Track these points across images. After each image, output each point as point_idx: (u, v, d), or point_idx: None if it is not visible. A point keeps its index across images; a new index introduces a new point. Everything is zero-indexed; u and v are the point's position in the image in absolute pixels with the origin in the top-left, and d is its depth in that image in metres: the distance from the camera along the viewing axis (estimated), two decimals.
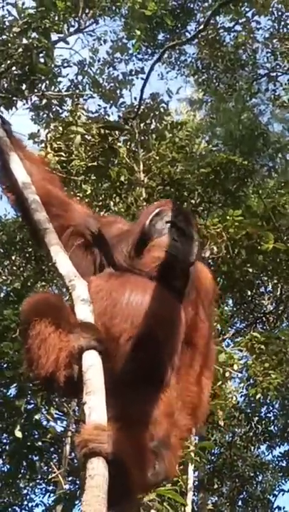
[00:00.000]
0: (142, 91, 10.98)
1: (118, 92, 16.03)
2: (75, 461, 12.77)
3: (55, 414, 9.79)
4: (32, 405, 9.19)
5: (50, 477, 10.61)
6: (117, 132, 12.97)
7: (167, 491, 6.97)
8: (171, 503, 7.49)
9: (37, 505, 16.10)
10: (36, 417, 8.27)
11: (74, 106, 13.68)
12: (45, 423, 10.04)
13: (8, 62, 11.93)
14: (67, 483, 10.82)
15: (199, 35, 17.75)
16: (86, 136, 12.58)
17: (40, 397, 8.35)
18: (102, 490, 2.94)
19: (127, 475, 3.16)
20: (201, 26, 16.07)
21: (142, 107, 14.31)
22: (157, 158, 14.27)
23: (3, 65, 11.93)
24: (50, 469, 14.64)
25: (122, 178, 12.45)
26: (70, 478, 14.30)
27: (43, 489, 16.07)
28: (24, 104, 13.47)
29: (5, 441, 12.38)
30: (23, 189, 4.20)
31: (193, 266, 3.89)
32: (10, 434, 8.98)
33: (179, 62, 20.99)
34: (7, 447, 10.32)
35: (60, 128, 13.30)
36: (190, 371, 3.71)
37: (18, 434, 8.12)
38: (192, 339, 3.76)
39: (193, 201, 13.63)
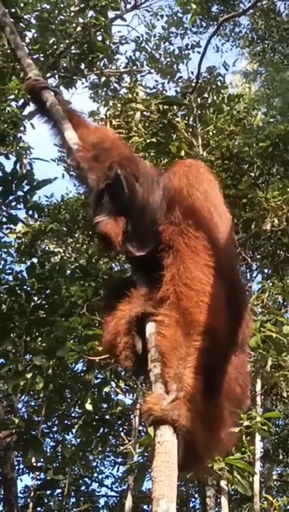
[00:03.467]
0: (199, 65, 11.05)
1: (175, 66, 15.97)
2: (142, 433, 12.94)
3: (124, 387, 9.96)
4: (99, 379, 9.38)
5: (121, 449, 10.78)
6: (175, 107, 13.00)
7: (236, 461, 7.06)
8: (240, 472, 7.56)
9: (107, 477, 16.40)
10: (106, 389, 8.43)
11: (133, 83, 13.73)
12: (113, 396, 10.27)
13: (67, 41, 12.00)
14: (136, 455, 11.01)
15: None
16: (145, 113, 12.64)
17: (109, 371, 8.53)
18: (171, 456, 3.05)
19: (195, 441, 3.22)
20: None
21: (199, 80, 14.27)
22: (215, 132, 14.22)
23: (62, 45, 12.00)
24: (117, 441, 14.89)
25: (182, 153, 12.44)
26: (138, 450, 14.55)
27: (112, 461, 16.34)
28: (83, 83, 13.56)
29: (74, 414, 12.64)
30: (76, 153, 4.36)
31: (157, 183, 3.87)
32: (80, 407, 9.17)
33: (233, 34, 20.81)
34: (76, 420, 10.55)
35: (119, 105, 13.41)
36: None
37: (89, 407, 8.31)
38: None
39: (252, 174, 13.57)
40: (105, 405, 9.48)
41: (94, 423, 9.07)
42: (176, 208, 3.68)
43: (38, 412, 11.57)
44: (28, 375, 8.13)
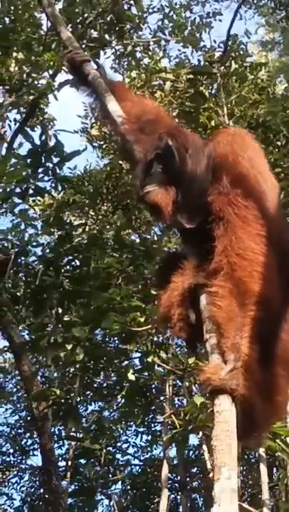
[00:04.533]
0: (228, 33, 10.93)
1: (198, 35, 15.74)
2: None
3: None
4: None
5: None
6: (200, 77, 12.88)
7: (280, 429, 7.08)
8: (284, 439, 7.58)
9: (130, 447, 16.49)
10: (149, 359, 8.48)
11: (162, 52, 13.62)
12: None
13: (95, 11, 11.83)
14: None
15: None
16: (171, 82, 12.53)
17: (150, 342, 8.59)
18: (231, 425, 3.09)
19: (253, 409, 3.27)
20: None
21: (222, 49, 14.15)
22: (237, 101, 14.07)
23: (90, 15, 11.82)
24: (139, 411, 14.92)
25: (212, 123, 12.34)
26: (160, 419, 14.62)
27: (134, 431, 16.38)
28: (106, 53, 13.43)
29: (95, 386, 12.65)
30: (121, 126, 4.38)
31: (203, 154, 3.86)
32: (123, 378, 9.23)
33: (255, 1, 20.45)
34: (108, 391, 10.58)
35: (143, 75, 13.30)
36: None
37: (132, 377, 8.39)
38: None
39: (279, 143, 13.46)
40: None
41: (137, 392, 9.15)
42: (223, 177, 3.69)
43: (68, 384, 11.64)
44: (69, 347, 8.17)
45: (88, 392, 13.49)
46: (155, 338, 9.27)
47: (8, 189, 8.67)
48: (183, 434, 7.84)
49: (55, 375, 12.36)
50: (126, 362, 10.80)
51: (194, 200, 3.78)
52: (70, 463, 13.52)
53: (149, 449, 16.37)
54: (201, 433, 8.68)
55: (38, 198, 12.32)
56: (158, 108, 4.87)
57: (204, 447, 9.77)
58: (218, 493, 2.93)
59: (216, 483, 2.96)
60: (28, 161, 9.55)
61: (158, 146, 3.86)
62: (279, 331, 3.56)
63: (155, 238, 12.65)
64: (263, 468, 10.10)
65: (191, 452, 15.86)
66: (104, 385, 13.50)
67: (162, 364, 8.35)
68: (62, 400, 8.74)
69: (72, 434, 10.28)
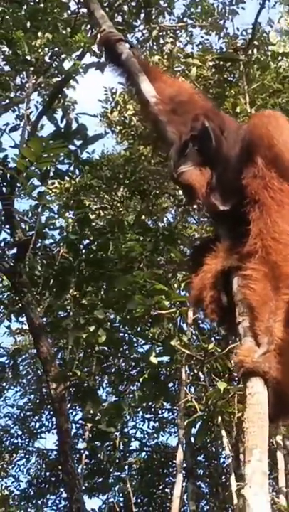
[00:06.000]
0: (255, 20, 10.86)
1: (221, 22, 15.60)
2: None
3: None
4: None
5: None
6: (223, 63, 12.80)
7: None
8: None
9: (137, 432, 16.44)
10: (172, 343, 8.46)
11: (189, 38, 13.54)
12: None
13: None
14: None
15: None
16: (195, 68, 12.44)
17: (173, 325, 8.58)
18: (263, 407, 3.11)
19: (285, 392, 3.27)
20: None
21: (244, 37, 14.05)
22: (257, 89, 13.97)
23: None
24: (158, 396, 14.85)
25: (238, 109, 12.25)
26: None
27: (141, 417, 16.35)
28: (132, 36, 13.31)
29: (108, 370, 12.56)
30: (154, 106, 4.36)
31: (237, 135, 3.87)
32: (139, 362, 9.23)
33: None
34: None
35: (165, 61, 13.23)
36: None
37: (154, 360, 8.40)
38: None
39: None
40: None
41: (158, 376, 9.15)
42: (258, 160, 3.66)
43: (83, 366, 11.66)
44: (91, 328, 8.17)
45: (97, 377, 13.56)
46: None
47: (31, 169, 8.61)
48: (203, 419, 7.84)
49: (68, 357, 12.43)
50: (136, 346, 10.82)
51: (229, 183, 3.77)
52: (85, 445, 13.55)
53: (155, 435, 16.34)
54: (220, 418, 8.66)
55: (57, 181, 12.30)
56: (191, 90, 4.85)
57: (223, 432, 9.77)
58: (249, 475, 2.95)
59: (247, 465, 2.99)
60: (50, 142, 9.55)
61: (194, 127, 3.85)
62: None
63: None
64: (280, 456, 10.09)
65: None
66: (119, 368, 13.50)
67: (182, 349, 8.31)
68: (80, 382, 8.78)
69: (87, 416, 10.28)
